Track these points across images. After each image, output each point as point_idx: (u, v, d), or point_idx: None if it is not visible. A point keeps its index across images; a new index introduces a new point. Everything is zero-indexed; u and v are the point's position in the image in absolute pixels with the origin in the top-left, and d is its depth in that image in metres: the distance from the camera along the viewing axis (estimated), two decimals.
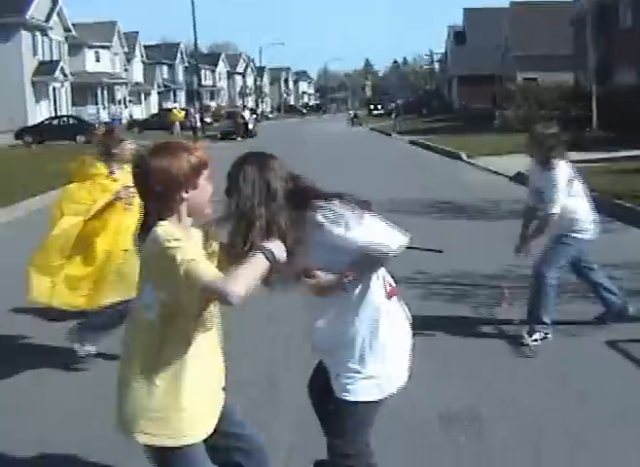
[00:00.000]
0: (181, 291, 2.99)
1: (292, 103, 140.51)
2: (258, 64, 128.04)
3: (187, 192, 3.16)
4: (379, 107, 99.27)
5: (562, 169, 6.78)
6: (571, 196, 6.83)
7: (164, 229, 3.07)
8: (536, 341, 6.77)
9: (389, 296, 3.68)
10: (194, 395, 3.16)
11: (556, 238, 6.97)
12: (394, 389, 3.64)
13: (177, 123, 50.95)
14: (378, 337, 3.55)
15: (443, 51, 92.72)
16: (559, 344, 6.75)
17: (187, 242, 3.05)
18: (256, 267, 3.02)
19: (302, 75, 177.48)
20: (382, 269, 3.68)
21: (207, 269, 2.96)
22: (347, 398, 3.50)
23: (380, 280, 3.65)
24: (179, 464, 3.23)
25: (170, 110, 61.82)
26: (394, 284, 3.77)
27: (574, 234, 6.89)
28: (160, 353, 3.13)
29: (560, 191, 6.70)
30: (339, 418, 3.57)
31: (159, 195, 3.13)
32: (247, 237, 3.21)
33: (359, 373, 3.52)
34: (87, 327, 6.56)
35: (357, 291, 3.54)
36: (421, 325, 7.38)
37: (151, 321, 3.11)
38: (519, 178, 19.10)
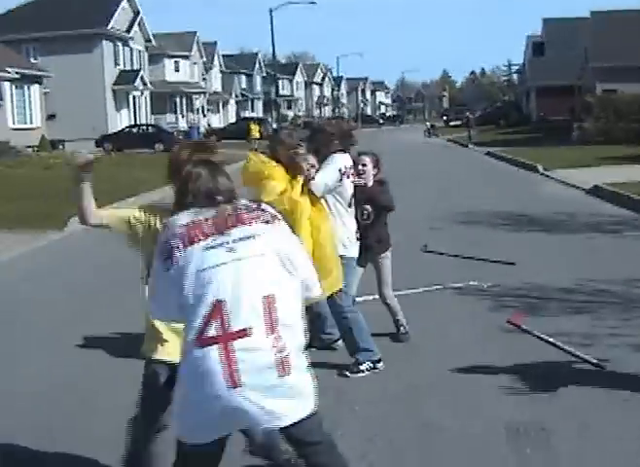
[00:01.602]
0: None
1: (369, 113, 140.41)
2: (335, 74, 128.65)
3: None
4: (453, 118, 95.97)
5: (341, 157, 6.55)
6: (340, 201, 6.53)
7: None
8: (363, 372, 6.49)
9: (202, 344, 3.23)
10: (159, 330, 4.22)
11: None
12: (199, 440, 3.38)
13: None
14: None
15: (521, 61, 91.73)
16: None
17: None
18: None
19: (379, 85, 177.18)
20: (202, 311, 3.27)
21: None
22: None
23: (196, 323, 3.26)
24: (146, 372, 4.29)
25: (248, 119, 62.37)
26: (226, 331, 3.23)
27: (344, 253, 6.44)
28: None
29: (331, 170, 6.39)
30: None
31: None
32: None
33: None
34: None
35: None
36: (487, 336, 7.44)
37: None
38: (596, 191, 18.92)
